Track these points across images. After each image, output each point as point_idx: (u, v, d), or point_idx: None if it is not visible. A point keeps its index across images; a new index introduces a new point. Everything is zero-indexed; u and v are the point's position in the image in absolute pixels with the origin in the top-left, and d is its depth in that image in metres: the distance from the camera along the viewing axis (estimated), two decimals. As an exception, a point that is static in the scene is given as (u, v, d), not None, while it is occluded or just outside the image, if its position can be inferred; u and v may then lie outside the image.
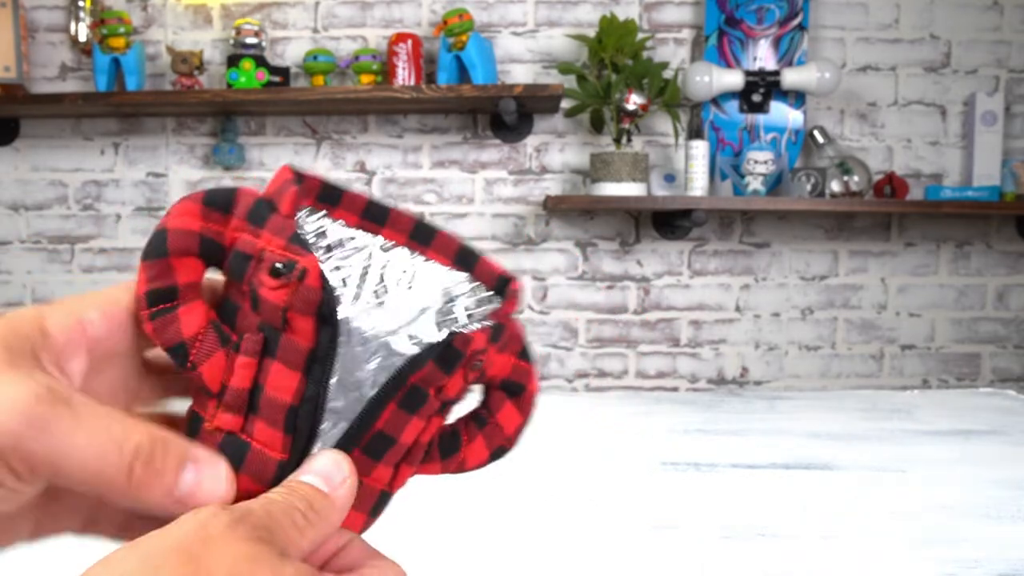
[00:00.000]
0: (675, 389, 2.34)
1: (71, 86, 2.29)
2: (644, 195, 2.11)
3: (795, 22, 2.22)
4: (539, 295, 2.31)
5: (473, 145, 2.30)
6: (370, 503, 0.28)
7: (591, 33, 2.17)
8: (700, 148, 2.10)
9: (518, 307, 0.29)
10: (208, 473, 0.25)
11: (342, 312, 0.26)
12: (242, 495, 0.26)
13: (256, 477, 0.26)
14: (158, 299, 0.27)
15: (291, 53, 2.27)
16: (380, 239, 0.28)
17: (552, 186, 2.30)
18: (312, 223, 0.27)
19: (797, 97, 2.22)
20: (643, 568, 0.53)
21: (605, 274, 2.32)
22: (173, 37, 2.28)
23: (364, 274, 0.27)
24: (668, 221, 2.26)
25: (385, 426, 0.27)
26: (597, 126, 2.24)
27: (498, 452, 0.32)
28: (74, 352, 0.25)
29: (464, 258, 0.30)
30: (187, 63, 2.13)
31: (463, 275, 0.29)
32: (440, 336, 0.27)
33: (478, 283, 0.29)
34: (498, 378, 0.31)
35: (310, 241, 0.26)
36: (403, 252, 0.28)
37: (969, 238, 2.31)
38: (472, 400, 0.32)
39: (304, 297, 0.25)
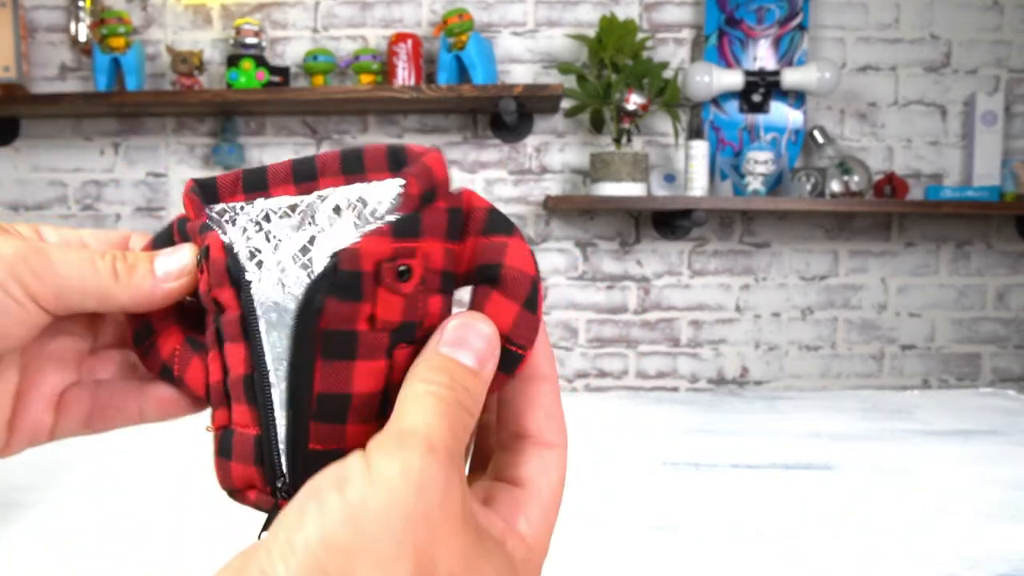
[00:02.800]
0: (675, 389, 2.34)
1: (71, 86, 2.29)
2: (644, 195, 2.11)
3: (795, 22, 2.22)
4: (539, 295, 2.31)
5: (473, 145, 2.30)
6: None
7: (591, 33, 2.17)
8: (700, 148, 2.10)
9: (433, 179, 0.25)
10: (175, 254, 0.28)
11: (251, 276, 0.25)
12: (239, 480, 0.26)
13: (243, 459, 0.26)
14: (140, 338, 0.29)
15: (291, 53, 2.27)
16: (315, 195, 0.26)
17: (552, 186, 2.30)
18: (219, 209, 0.27)
19: (797, 97, 2.22)
20: (643, 568, 0.53)
21: (605, 274, 2.31)
22: (173, 37, 2.28)
23: (291, 238, 0.26)
24: (668, 221, 2.26)
25: (323, 385, 0.24)
26: (597, 126, 2.24)
27: (506, 360, 0.26)
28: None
29: (395, 160, 0.26)
30: (187, 63, 2.13)
31: (384, 182, 0.25)
32: (322, 264, 0.24)
33: (394, 179, 0.25)
34: (472, 270, 0.26)
35: (218, 222, 0.27)
36: (341, 192, 0.26)
37: (969, 238, 2.31)
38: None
39: (215, 271, 0.26)
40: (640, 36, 2.18)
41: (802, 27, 2.22)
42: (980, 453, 0.78)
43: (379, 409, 0.25)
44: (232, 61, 2.14)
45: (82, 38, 2.22)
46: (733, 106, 2.24)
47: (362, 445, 0.22)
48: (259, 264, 0.25)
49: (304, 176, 0.27)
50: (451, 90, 2.06)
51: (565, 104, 2.24)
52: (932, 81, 2.28)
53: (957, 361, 2.34)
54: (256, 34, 2.16)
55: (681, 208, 2.09)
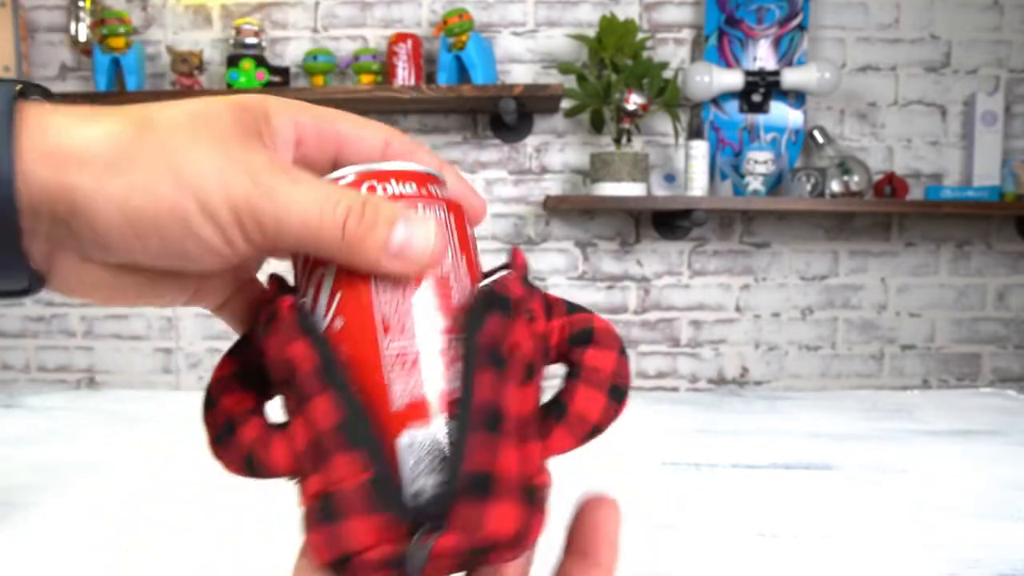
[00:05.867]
0: (675, 389, 2.34)
1: (71, 86, 2.29)
2: (644, 195, 2.11)
3: (795, 22, 2.22)
4: (539, 295, 2.31)
5: (473, 145, 2.30)
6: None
7: (591, 33, 2.17)
8: (700, 148, 2.10)
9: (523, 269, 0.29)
10: (419, 228, 0.25)
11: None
12: (364, 536, 0.24)
13: (365, 510, 0.24)
14: (221, 436, 0.28)
15: (291, 53, 2.27)
16: None
17: (552, 186, 2.30)
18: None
19: (797, 97, 2.22)
20: (643, 568, 0.53)
21: (605, 274, 2.31)
22: (173, 37, 2.28)
23: None
24: (668, 221, 2.26)
25: (483, 396, 0.25)
26: (597, 126, 2.23)
27: (615, 393, 0.29)
28: (284, 146, 0.28)
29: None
30: (187, 63, 2.13)
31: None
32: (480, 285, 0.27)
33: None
34: (564, 341, 0.29)
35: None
36: None
37: (969, 238, 2.31)
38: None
39: (284, 327, 0.25)
40: (640, 36, 2.18)
41: (802, 27, 2.22)
42: (980, 453, 0.78)
43: (519, 438, 0.26)
44: (232, 61, 2.14)
45: (82, 38, 2.22)
46: (733, 106, 2.24)
47: (512, 471, 0.24)
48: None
49: None
50: (451, 90, 2.06)
51: (565, 104, 2.24)
52: (932, 81, 2.28)
53: (957, 361, 2.34)
54: (256, 34, 2.16)
55: (681, 208, 2.09)
